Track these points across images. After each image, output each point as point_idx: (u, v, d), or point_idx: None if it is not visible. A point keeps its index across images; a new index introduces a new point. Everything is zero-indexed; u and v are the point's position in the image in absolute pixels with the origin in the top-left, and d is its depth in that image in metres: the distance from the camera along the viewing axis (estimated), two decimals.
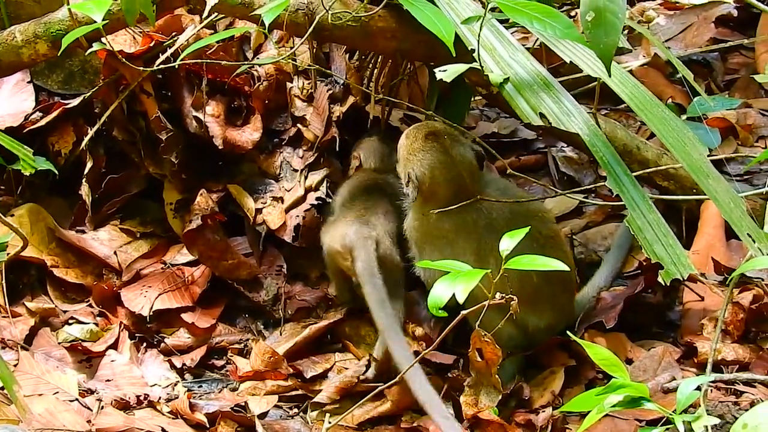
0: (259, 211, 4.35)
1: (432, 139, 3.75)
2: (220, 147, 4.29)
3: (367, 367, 3.89)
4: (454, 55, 3.32)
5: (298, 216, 4.30)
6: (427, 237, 3.82)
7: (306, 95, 4.45)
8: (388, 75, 4.45)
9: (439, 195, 3.75)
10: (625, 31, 5.30)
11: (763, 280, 3.89)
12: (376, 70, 4.45)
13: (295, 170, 4.40)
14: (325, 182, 4.37)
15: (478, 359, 3.39)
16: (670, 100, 5.06)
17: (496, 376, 3.42)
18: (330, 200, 4.32)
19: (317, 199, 4.33)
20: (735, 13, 5.74)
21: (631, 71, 5.26)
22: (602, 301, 4.04)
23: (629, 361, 3.77)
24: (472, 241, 3.70)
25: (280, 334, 4.18)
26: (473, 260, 3.53)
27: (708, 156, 4.10)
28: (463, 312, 2.87)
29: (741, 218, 3.36)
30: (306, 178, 4.38)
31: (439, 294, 2.71)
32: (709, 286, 3.99)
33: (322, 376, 4.01)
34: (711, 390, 3.51)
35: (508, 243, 2.79)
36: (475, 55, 3.42)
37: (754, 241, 3.28)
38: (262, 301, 4.27)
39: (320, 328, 4.11)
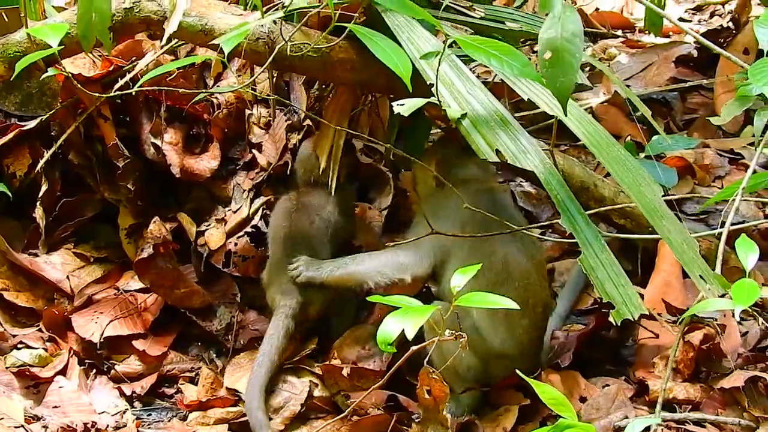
0: (201, 233, 4.33)
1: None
2: (177, 175, 4.27)
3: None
4: (411, 90, 3.31)
5: (231, 242, 4.29)
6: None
7: (264, 123, 4.43)
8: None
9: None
10: (587, 68, 5.35)
11: (715, 319, 3.91)
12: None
13: (245, 191, 4.38)
14: (261, 210, 4.35)
15: (426, 396, 3.38)
16: (629, 138, 5.09)
17: (444, 413, 3.41)
18: (265, 230, 4.31)
19: (252, 227, 4.31)
20: (695, 53, 5.81)
21: (591, 108, 5.31)
22: (555, 340, 4.04)
23: (583, 399, 3.77)
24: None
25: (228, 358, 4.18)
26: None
27: (665, 195, 4.15)
28: (413, 348, 2.86)
29: (693, 259, 3.37)
30: (252, 201, 4.36)
31: (389, 330, 2.69)
32: (663, 323, 4.00)
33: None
34: (662, 429, 3.52)
35: (459, 280, 2.79)
36: (433, 90, 3.42)
37: (706, 283, 3.29)
38: (214, 330, 4.23)
39: None
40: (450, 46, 3.29)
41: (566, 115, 3.30)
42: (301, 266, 4.04)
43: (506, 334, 3.76)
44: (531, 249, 3.84)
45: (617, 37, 6.54)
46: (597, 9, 6.94)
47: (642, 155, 4.83)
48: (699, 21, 6.91)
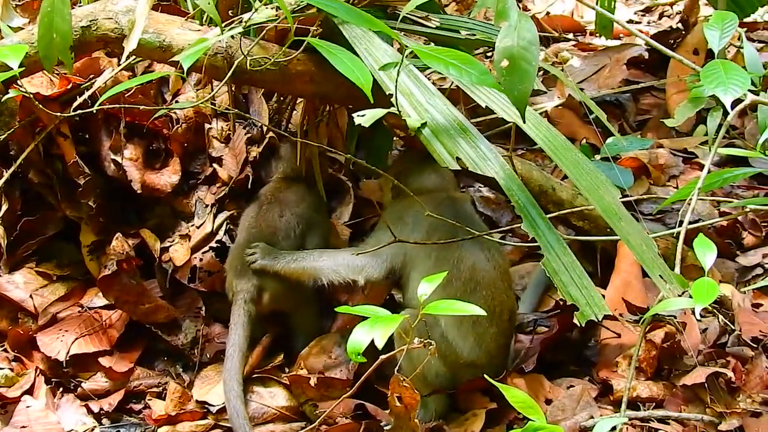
0: (165, 249, 4.33)
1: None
2: (138, 191, 4.27)
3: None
4: (372, 101, 3.34)
5: (196, 257, 4.30)
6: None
7: (224, 137, 4.45)
8: (307, 117, 4.47)
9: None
10: (540, 72, 5.40)
11: (675, 317, 3.97)
12: (295, 112, 4.47)
13: (207, 206, 4.39)
14: (225, 225, 4.36)
15: (397, 404, 3.40)
16: (584, 140, 5.15)
17: (416, 421, 3.43)
18: (229, 245, 4.32)
19: (217, 242, 4.32)
20: (646, 55, 5.88)
21: (546, 112, 5.37)
22: (520, 344, 4.09)
23: (549, 401, 3.81)
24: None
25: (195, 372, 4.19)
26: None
27: (623, 196, 4.20)
28: (382, 357, 2.89)
29: (653, 260, 3.43)
30: (215, 216, 4.37)
31: (358, 340, 2.72)
32: (624, 323, 4.06)
33: None
34: (627, 428, 3.57)
35: (426, 288, 2.83)
36: (392, 100, 3.45)
37: (666, 282, 3.35)
38: (180, 345, 4.24)
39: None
40: (407, 56, 3.33)
41: (524, 122, 3.34)
42: (258, 253, 4.07)
43: (474, 342, 3.80)
44: (496, 257, 3.89)
45: (569, 40, 6.60)
46: (548, 13, 7.01)
47: (597, 157, 4.89)
48: (648, 22, 7.00)
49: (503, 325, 3.84)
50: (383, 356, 2.88)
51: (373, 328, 2.74)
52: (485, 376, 2.99)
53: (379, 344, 2.71)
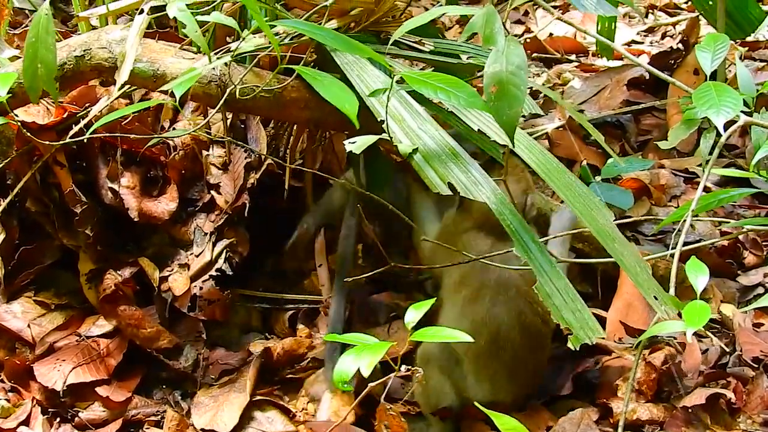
0: (164, 279, 4.32)
1: None
2: (135, 219, 4.27)
3: None
4: (358, 127, 3.34)
5: (196, 286, 4.29)
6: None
7: (221, 163, 4.45)
8: (305, 142, 4.47)
9: None
10: (541, 95, 5.40)
11: (675, 338, 3.95)
12: (291, 139, 4.47)
13: (206, 234, 4.39)
14: (224, 253, 4.35)
15: None
16: (584, 162, 5.13)
17: None
18: (229, 273, 4.31)
19: (217, 270, 4.31)
20: (647, 75, 5.86)
21: (547, 134, 5.36)
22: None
23: (549, 427, 3.78)
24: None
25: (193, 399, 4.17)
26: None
27: (623, 217, 4.19)
28: (371, 384, 2.87)
29: (647, 281, 3.40)
30: (215, 244, 4.36)
31: (345, 368, 2.70)
32: (622, 350, 4.04)
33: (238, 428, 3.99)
34: None
35: (413, 315, 2.81)
36: (384, 126, 3.45)
37: (661, 304, 3.32)
38: (182, 368, 4.22)
39: None
40: (399, 81, 3.33)
41: (514, 146, 3.33)
42: None
43: (490, 385, 3.80)
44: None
45: (571, 61, 6.60)
46: (551, 34, 7.01)
47: (598, 178, 4.88)
48: (651, 42, 6.98)
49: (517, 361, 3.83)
50: (371, 384, 2.86)
51: (360, 356, 2.72)
52: (476, 404, 2.95)
53: (365, 373, 2.68)
